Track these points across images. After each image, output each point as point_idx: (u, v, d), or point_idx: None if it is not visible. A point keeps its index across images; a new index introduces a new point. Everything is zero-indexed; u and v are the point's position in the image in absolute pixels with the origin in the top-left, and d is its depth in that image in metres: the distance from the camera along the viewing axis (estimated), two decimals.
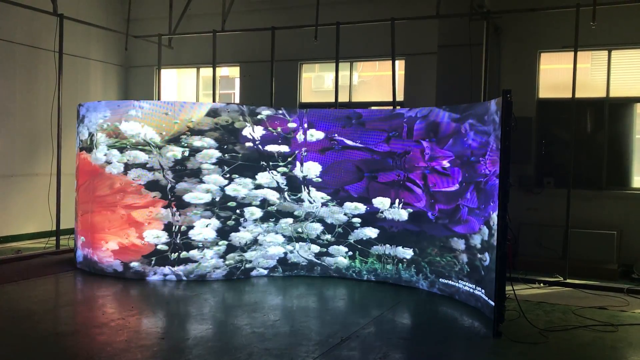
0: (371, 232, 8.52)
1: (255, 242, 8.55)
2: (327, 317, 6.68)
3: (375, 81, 12.24)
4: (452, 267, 7.71)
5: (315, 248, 8.73)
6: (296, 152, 8.68)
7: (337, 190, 8.62)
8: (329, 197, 8.64)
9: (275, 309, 6.94)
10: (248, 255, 8.51)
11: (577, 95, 8.90)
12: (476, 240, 7.19)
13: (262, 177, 8.56)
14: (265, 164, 8.58)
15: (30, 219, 11.19)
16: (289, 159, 8.68)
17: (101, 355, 5.21)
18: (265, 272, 8.65)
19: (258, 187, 8.54)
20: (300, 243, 8.74)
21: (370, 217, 8.52)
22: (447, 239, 7.75)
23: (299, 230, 8.71)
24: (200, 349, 5.40)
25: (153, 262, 8.18)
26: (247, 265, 8.53)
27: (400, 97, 11.07)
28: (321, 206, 8.68)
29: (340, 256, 8.68)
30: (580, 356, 5.51)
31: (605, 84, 9.73)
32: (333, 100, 10.50)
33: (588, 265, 8.96)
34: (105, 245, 8.34)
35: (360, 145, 8.54)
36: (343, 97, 11.50)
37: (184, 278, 8.21)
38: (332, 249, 8.69)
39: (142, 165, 8.16)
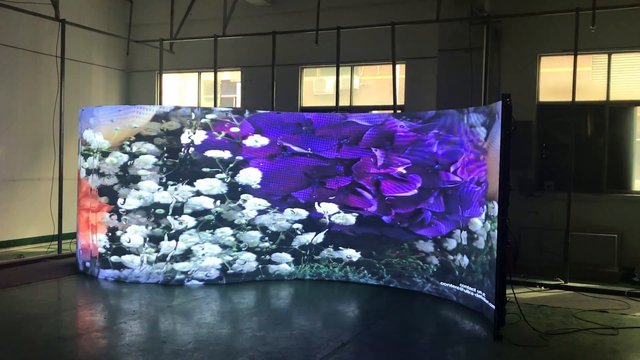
0: (317, 237, 8.63)
1: (189, 251, 8.24)
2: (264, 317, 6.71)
3: (376, 85, 12.28)
4: (414, 268, 8.19)
5: (253, 256, 8.49)
6: (237, 158, 8.39)
7: (285, 196, 8.56)
8: (269, 204, 8.48)
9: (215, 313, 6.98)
10: (179, 265, 8.22)
11: (578, 98, 8.94)
12: (450, 244, 7.66)
13: (201, 184, 8.28)
14: (206, 170, 8.31)
15: (33, 223, 11.23)
16: (231, 165, 8.39)
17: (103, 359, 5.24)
18: (201, 283, 8.28)
19: (197, 194, 8.26)
20: (242, 252, 8.46)
21: (315, 223, 8.64)
22: (411, 242, 8.22)
23: (240, 238, 8.42)
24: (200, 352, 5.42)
25: (98, 263, 8.52)
26: (178, 277, 8.23)
27: (401, 101, 11.10)
28: (258, 214, 8.45)
29: (284, 263, 8.63)
30: (581, 359, 5.52)
31: (605, 87, 9.76)
32: (334, 104, 10.53)
33: (589, 269, 8.97)
34: (79, 244, 8.95)
35: (309, 152, 8.61)
36: (344, 101, 11.53)
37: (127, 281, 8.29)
38: (275, 256, 8.60)
39: (97, 171, 8.45)
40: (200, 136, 8.28)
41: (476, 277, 7.22)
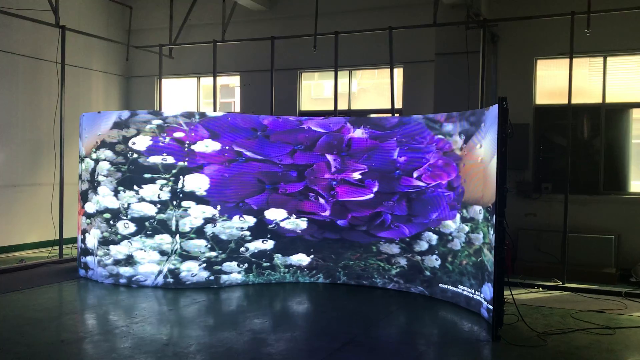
0: (265, 245, 8.58)
1: (130, 257, 8.28)
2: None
3: (374, 89, 12.37)
4: (375, 269, 8.54)
5: (197, 265, 8.29)
6: (180, 163, 8.19)
7: (239, 203, 8.38)
8: (215, 212, 8.25)
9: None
10: (123, 269, 8.33)
11: (574, 101, 9.03)
12: (420, 245, 8.15)
13: (145, 190, 8.22)
14: (149, 175, 8.21)
15: (33, 228, 11.28)
16: (173, 171, 8.19)
17: None
18: (147, 286, 8.28)
19: (141, 199, 8.21)
20: (187, 260, 8.28)
21: (266, 229, 8.57)
22: (372, 245, 8.52)
23: (183, 246, 8.24)
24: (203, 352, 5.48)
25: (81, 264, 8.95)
26: (122, 280, 8.35)
27: (399, 104, 11.19)
28: (205, 222, 8.24)
29: (234, 272, 8.44)
30: (577, 359, 5.59)
31: (601, 89, 9.84)
32: (333, 108, 10.61)
33: (586, 270, 9.04)
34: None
35: (262, 157, 8.52)
36: (343, 105, 11.62)
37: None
38: (226, 265, 8.39)
39: (80, 177, 8.95)
40: (145, 142, 8.20)
41: (453, 277, 7.65)
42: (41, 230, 11.27)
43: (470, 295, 7.27)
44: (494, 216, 6.49)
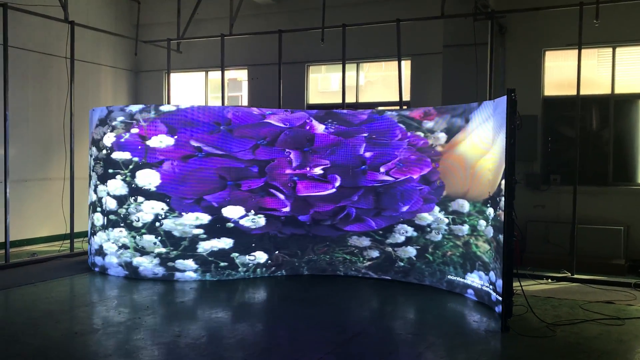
0: (222, 243, 8.34)
1: (100, 247, 8.76)
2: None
3: (382, 81, 12.36)
4: (341, 262, 8.73)
5: (152, 260, 8.36)
6: (140, 159, 8.27)
7: (198, 199, 8.22)
8: (167, 208, 8.18)
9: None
10: (98, 259, 8.85)
11: (583, 92, 9.00)
12: (393, 237, 8.44)
13: (110, 185, 8.49)
14: (112, 171, 8.45)
15: (45, 222, 11.39)
16: (130, 167, 8.31)
17: (118, 353, 5.38)
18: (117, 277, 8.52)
19: (108, 194, 8.54)
20: (143, 255, 8.38)
21: (224, 227, 8.33)
22: (340, 238, 8.67)
23: (137, 242, 8.37)
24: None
25: None
26: (96, 269, 8.90)
27: (406, 97, 11.19)
28: (156, 217, 8.23)
29: (189, 270, 8.34)
30: (587, 349, 5.61)
31: (610, 80, 9.81)
32: (340, 101, 10.63)
33: (595, 261, 9.04)
34: None
35: (224, 152, 8.25)
36: (350, 98, 11.63)
37: None
38: (179, 262, 8.32)
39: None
40: (110, 138, 8.48)
41: (434, 267, 8.10)
42: (52, 224, 11.38)
43: (455, 280, 7.79)
44: (491, 208, 6.91)
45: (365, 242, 8.64)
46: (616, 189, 9.69)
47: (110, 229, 8.55)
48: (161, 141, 8.20)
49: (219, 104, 12.33)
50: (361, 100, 11.92)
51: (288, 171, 8.58)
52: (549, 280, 8.50)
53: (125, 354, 5.35)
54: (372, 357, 5.35)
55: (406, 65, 11.35)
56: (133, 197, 8.30)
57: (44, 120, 11.48)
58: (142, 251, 8.37)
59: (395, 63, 10.34)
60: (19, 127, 10.92)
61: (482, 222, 7.31)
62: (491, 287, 6.96)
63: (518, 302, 6.58)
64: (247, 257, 8.51)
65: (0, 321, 6.48)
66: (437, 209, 8.08)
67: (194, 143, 8.17)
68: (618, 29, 9.53)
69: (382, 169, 8.44)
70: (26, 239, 11.05)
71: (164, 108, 8.27)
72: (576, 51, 8.85)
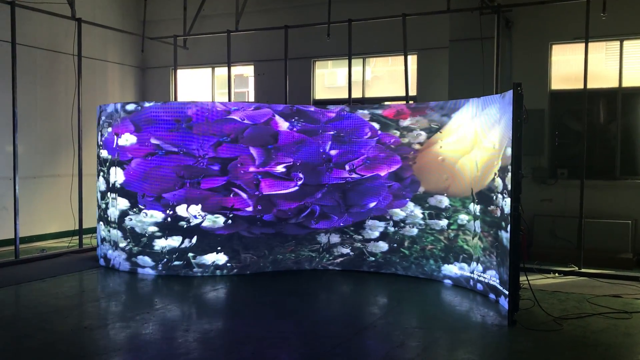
0: (175, 242, 8.32)
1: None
2: None
3: (388, 76, 12.35)
4: (307, 260, 8.73)
5: (119, 254, 8.66)
6: (109, 156, 8.66)
7: (158, 197, 8.29)
8: (129, 205, 8.42)
9: None
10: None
11: (590, 86, 8.96)
12: (364, 233, 8.62)
13: (99, 182, 9.06)
14: (99, 168, 9.03)
15: (54, 218, 11.47)
16: (107, 164, 8.75)
17: (128, 347, 5.43)
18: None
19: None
20: (117, 249, 8.71)
21: (178, 226, 8.30)
22: (305, 236, 8.67)
23: (111, 236, 8.75)
24: None
25: None
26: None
27: (413, 91, 11.18)
28: (121, 214, 8.51)
29: (147, 267, 8.46)
30: (594, 342, 5.61)
31: (617, 74, 9.76)
32: (346, 96, 10.63)
33: (603, 255, 9.02)
34: None
35: (183, 150, 8.22)
36: (357, 93, 11.63)
37: None
38: (140, 258, 8.49)
39: None
40: (100, 136, 8.98)
41: (410, 260, 8.40)
42: (61, 220, 11.46)
43: (435, 270, 8.19)
44: (477, 204, 7.33)
45: (334, 239, 8.72)
46: (624, 183, 9.66)
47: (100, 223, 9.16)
48: (127, 139, 8.45)
49: (226, 99, 12.36)
50: (368, 95, 11.92)
51: (252, 169, 8.40)
52: (556, 274, 8.49)
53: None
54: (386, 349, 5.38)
55: (412, 59, 11.34)
56: (108, 193, 8.78)
57: (52, 117, 11.56)
58: (116, 245, 8.72)
59: (402, 58, 10.33)
60: (28, 124, 11.00)
61: (465, 217, 7.73)
62: (475, 276, 7.49)
63: (525, 296, 6.58)
64: (206, 256, 8.34)
65: (11, 316, 6.55)
66: (411, 204, 8.33)
67: (153, 141, 8.26)
68: (626, 22, 9.47)
69: (347, 167, 8.54)
70: (35, 235, 11.14)
71: (130, 107, 8.51)
72: (583, 45, 8.81)
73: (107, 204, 8.81)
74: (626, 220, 9.35)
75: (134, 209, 8.42)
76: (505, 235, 6.63)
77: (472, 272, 7.60)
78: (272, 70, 12.31)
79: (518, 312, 6.25)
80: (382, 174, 8.48)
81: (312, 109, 8.76)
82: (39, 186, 11.30)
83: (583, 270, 8.54)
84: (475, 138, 7.59)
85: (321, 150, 8.59)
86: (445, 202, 8.03)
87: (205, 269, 8.36)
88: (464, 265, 7.77)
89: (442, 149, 8.09)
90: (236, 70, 13.54)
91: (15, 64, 9.21)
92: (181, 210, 8.27)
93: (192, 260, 8.34)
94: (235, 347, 5.45)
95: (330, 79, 12.88)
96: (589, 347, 5.48)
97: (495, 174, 7.04)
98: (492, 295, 7.16)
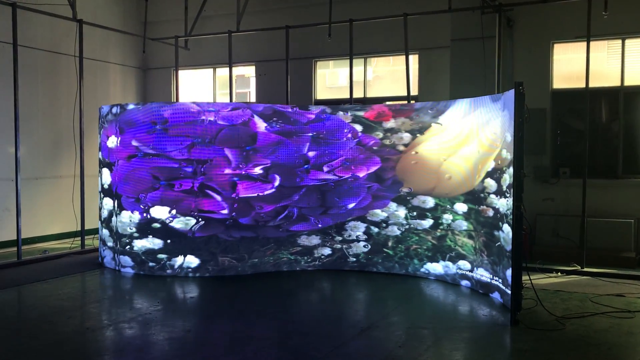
0: (148, 243, 8.39)
1: None
2: None
3: (390, 76, 12.34)
4: (286, 262, 8.64)
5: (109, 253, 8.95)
6: (102, 158, 9.04)
7: (137, 199, 8.40)
8: (111, 206, 8.71)
9: None
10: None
11: (592, 84, 8.94)
12: (344, 234, 8.65)
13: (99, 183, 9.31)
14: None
15: (56, 220, 11.48)
16: (102, 165, 9.07)
17: (130, 348, 5.43)
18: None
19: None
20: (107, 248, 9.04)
21: (151, 228, 8.35)
22: (286, 238, 8.59)
23: (103, 235, 9.15)
24: None
25: None
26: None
27: (415, 91, 11.17)
28: (107, 214, 8.83)
29: (127, 266, 8.62)
30: (596, 342, 5.60)
31: (619, 72, 9.74)
32: (348, 96, 10.63)
33: (605, 254, 9.01)
34: None
35: (158, 152, 8.24)
36: (358, 93, 11.63)
37: None
38: (122, 258, 8.64)
39: None
40: (101, 137, 9.21)
41: (395, 260, 8.48)
42: (63, 221, 11.47)
43: (421, 268, 8.34)
44: (464, 203, 7.58)
45: (314, 240, 8.67)
46: (626, 182, 9.64)
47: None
48: (113, 142, 8.66)
49: (227, 100, 12.36)
50: (369, 95, 11.91)
51: (227, 171, 8.28)
52: (559, 273, 8.48)
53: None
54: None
55: (414, 59, 11.33)
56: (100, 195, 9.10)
57: (54, 118, 11.57)
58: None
59: (403, 57, 10.32)
60: (30, 126, 11.01)
61: (449, 217, 7.91)
62: (460, 272, 7.82)
63: (528, 295, 6.58)
64: (179, 259, 8.33)
65: (13, 317, 6.56)
66: (393, 204, 8.41)
67: (134, 143, 8.38)
68: (627, 20, 9.45)
69: (325, 168, 8.52)
70: (38, 236, 11.15)
71: (115, 109, 8.66)
72: (585, 43, 8.79)
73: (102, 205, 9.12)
74: (629, 219, 9.33)
75: (117, 210, 8.61)
76: (503, 235, 6.76)
77: (459, 270, 7.81)
78: (273, 70, 12.31)
79: (521, 311, 6.24)
80: (361, 175, 8.53)
81: (292, 109, 8.65)
82: (41, 187, 11.31)
83: (585, 269, 8.53)
84: (462, 139, 7.78)
85: (300, 152, 8.52)
86: (429, 202, 8.15)
87: (180, 270, 8.34)
88: (449, 263, 7.98)
89: (428, 150, 8.22)
90: (237, 70, 13.55)
91: (17, 66, 9.21)
92: (155, 211, 8.30)
93: (167, 262, 8.36)
94: (237, 347, 5.45)
95: (331, 79, 12.88)
96: (592, 347, 5.47)
97: (485, 175, 7.26)
98: (490, 293, 7.21)
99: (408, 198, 8.33)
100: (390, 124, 8.46)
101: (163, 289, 7.78)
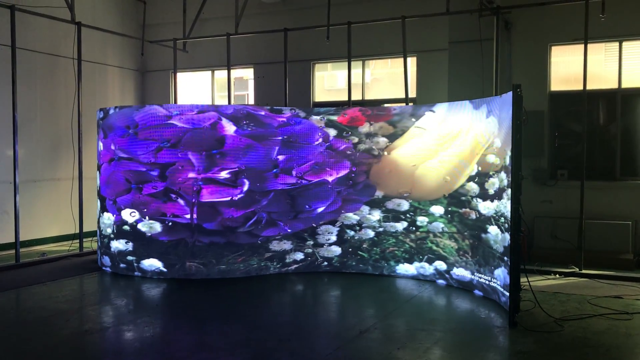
0: (120, 244, 8.59)
1: None
2: None
3: (388, 78, 12.36)
4: (256, 269, 8.46)
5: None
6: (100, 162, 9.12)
7: (114, 200, 8.62)
8: (99, 207, 8.95)
9: None
10: None
11: (590, 87, 8.96)
12: (316, 239, 8.62)
13: None
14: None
15: (54, 222, 11.48)
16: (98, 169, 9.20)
17: (129, 351, 5.43)
18: None
19: None
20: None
21: (122, 230, 8.52)
22: (261, 244, 8.47)
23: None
24: None
25: None
26: None
27: (413, 93, 11.19)
28: (99, 215, 9.04)
29: (106, 266, 8.90)
30: (594, 343, 5.61)
31: (617, 75, 9.77)
32: (346, 98, 10.64)
33: (603, 256, 9.02)
34: None
35: (129, 156, 8.38)
36: (356, 95, 11.64)
37: None
38: (104, 257, 8.94)
39: None
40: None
41: (369, 262, 8.58)
42: (61, 224, 11.46)
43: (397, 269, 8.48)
44: (440, 206, 7.87)
45: (286, 246, 8.58)
46: (624, 184, 9.66)
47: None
48: (100, 145, 8.92)
49: (226, 102, 12.37)
50: (367, 97, 11.93)
51: (192, 175, 8.20)
52: (557, 275, 8.49)
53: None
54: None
55: (412, 62, 11.35)
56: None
57: (52, 120, 11.57)
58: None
59: (401, 60, 10.34)
60: (28, 128, 11.01)
61: (424, 219, 8.15)
62: (437, 272, 8.10)
63: (526, 297, 6.59)
64: (147, 261, 8.41)
65: (12, 320, 6.56)
66: (366, 208, 8.51)
67: (112, 147, 8.59)
68: (625, 22, 9.48)
69: (294, 172, 8.47)
70: (36, 238, 11.14)
71: (100, 114, 8.84)
72: (582, 46, 8.82)
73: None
74: (626, 221, 9.35)
75: (102, 212, 8.86)
76: (492, 237, 7.04)
77: (437, 270, 8.08)
78: (271, 72, 12.32)
79: (519, 313, 6.25)
80: (330, 179, 8.56)
81: (264, 112, 8.54)
82: (40, 190, 11.30)
83: (584, 271, 8.54)
84: (440, 143, 8.02)
85: (269, 156, 8.41)
86: (404, 205, 8.31)
87: (148, 273, 8.42)
88: (425, 264, 8.20)
89: (404, 154, 8.35)
90: (236, 73, 13.56)
91: (15, 68, 9.22)
92: (125, 214, 8.48)
93: (135, 264, 8.48)
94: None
95: (330, 82, 12.89)
96: (590, 348, 5.48)
97: (467, 178, 7.57)
98: (477, 291, 7.48)
99: (383, 201, 8.45)
100: (366, 128, 8.55)
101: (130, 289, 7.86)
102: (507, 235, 6.66)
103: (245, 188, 8.32)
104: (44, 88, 11.46)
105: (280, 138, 8.45)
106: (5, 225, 10.35)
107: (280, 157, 8.44)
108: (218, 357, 5.23)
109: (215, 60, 12.86)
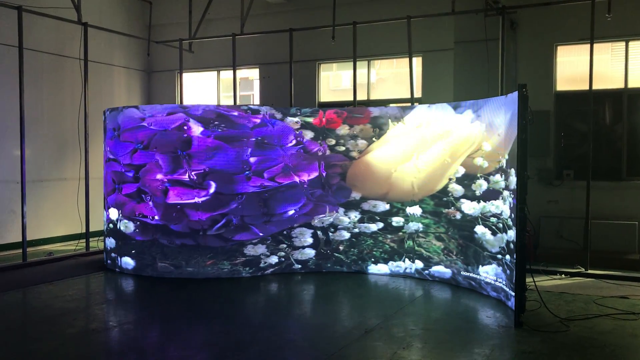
0: (110, 242, 9.02)
1: None
2: None
3: (393, 78, 12.37)
4: (227, 273, 8.34)
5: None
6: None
7: (106, 199, 9.09)
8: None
9: None
10: None
11: (596, 86, 8.94)
12: (292, 242, 8.59)
13: None
14: None
15: (60, 222, 11.53)
16: None
17: (133, 350, 5.46)
18: None
19: None
20: None
21: (108, 228, 9.03)
22: (232, 248, 8.34)
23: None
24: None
25: None
26: None
27: (418, 93, 11.19)
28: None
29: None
30: (600, 343, 5.60)
31: (623, 74, 9.74)
32: (351, 98, 10.65)
33: (609, 256, 9.00)
34: None
35: (115, 157, 8.69)
36: (362, 95, 11.65)
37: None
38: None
39: None
40: None
41: (347, 263, 8.65)
42: (68, 223, 11.51)
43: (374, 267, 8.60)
44: (417, 207, 8.08)
45: (261, 249, 8.46)
46: (630, 184, 9.63)
47: None
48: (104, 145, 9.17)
49: (232, 102, 12.40)
50: (373, 97, 11.93)
51: (159, 176, 8.28)
52: (563, 275, 8.48)
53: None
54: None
55: (417, 62, 11.35)
56: None
57: (59, 121, 11.63)
58: None
59: (407, 60, 10.34)
60: (35, 128, 11.06)
61: (399, 219, 8.33)
62: (416, 270, 8.32)
63: (531, 297, 6.58)
64: (123, 259, 8.71)
65: (19, 319, 6.60)
66: (341, 210, 8.59)
67: (106, 148, 8.94)
68: (631, 22, 9.46)
69: (265, 175, 8.38)
70: (42, 238, 11.20)
71: (103, 117, 9.14)
72: (588, 46, 8.79)
73: None
74: (633, 222, 9.32)
75: (105, 210, 9.15)
76: (483, 238, 7.28)
77: (417, 268, 8.29)
78: (277, 73, 12.35)
79: (524, 313, 6.24)
80: (303, 180, 8.57)
81: (237, 113, 8.44)
82: (46, 190, 11.36)
83: (590, 271, 8.52)
84: (420, 145, 8.18)
85: (241, 158, 8.27)
86: (380, 206, 8.42)
87: (123, 270, 8.73)
88: (400, 263, 8.40)
89: (381, 156, 8.43)
90: (241, 73, 13.58)
91: (23, 69, 9.27)
92: (111, 213, 8.85)
93: (116, 262, 8.84)
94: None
95: (335, 82, 12.90)
96: (596, 349, 5.47)
97: (449, 180, 7.82)
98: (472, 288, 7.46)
99: (359, 203, 8.54)
100: (342, 130, 8.62)
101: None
102: (504, 235, 6.79)
103: (212, 190, 8.23)
104: (51, 88, 11.52)
105: (253, 139, 8.36)
106: (13, 224, 10.41)
107: (253, 159, 8.32)
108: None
109: (221, 60, 12.90)
